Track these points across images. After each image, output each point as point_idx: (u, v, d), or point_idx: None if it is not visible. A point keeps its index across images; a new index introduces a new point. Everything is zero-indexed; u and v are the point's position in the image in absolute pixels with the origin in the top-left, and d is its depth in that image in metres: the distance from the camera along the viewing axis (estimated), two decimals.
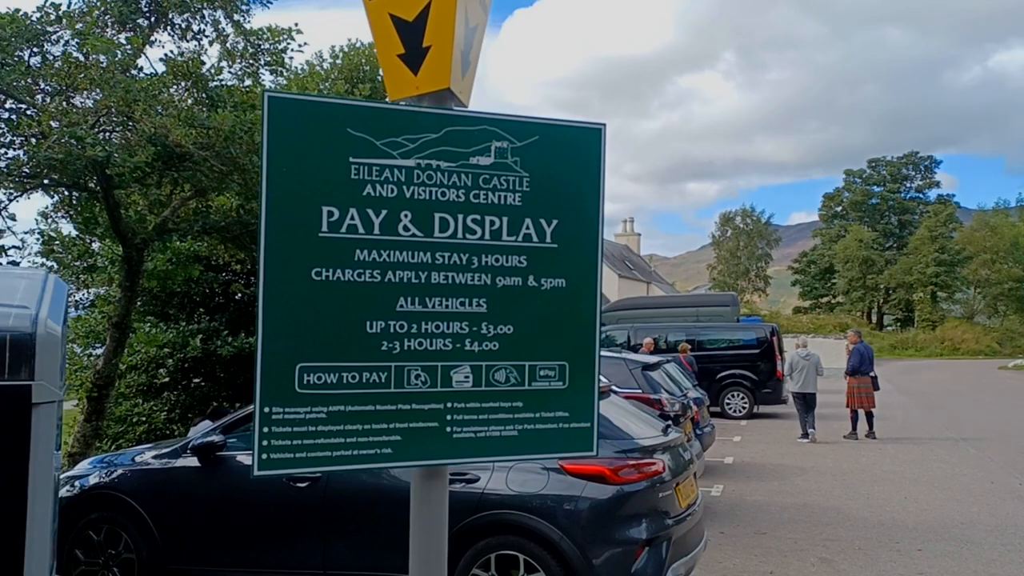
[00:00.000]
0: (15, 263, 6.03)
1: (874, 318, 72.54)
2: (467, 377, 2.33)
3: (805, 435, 15.41)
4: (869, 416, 15.59)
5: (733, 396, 19.34)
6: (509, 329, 2.37)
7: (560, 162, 2.42)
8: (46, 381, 2.25)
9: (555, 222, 2.42)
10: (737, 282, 74.19)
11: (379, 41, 2.39)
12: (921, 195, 77.17)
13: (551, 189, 2.41)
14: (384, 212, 2.24)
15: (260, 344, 2.14)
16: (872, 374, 15.62)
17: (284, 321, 2.17)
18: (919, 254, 66.10)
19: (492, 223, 2.35)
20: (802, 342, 17.08)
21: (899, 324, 70.76)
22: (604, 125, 2.46)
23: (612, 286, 51.42)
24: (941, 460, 13.03)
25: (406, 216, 2.27)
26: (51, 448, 2.22)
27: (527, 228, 2.39)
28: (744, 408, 19.19)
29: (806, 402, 15.48)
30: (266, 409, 2.15)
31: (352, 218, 2.22)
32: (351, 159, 2.21)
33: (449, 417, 2.31)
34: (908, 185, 77.63)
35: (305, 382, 2.19)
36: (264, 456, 2.14)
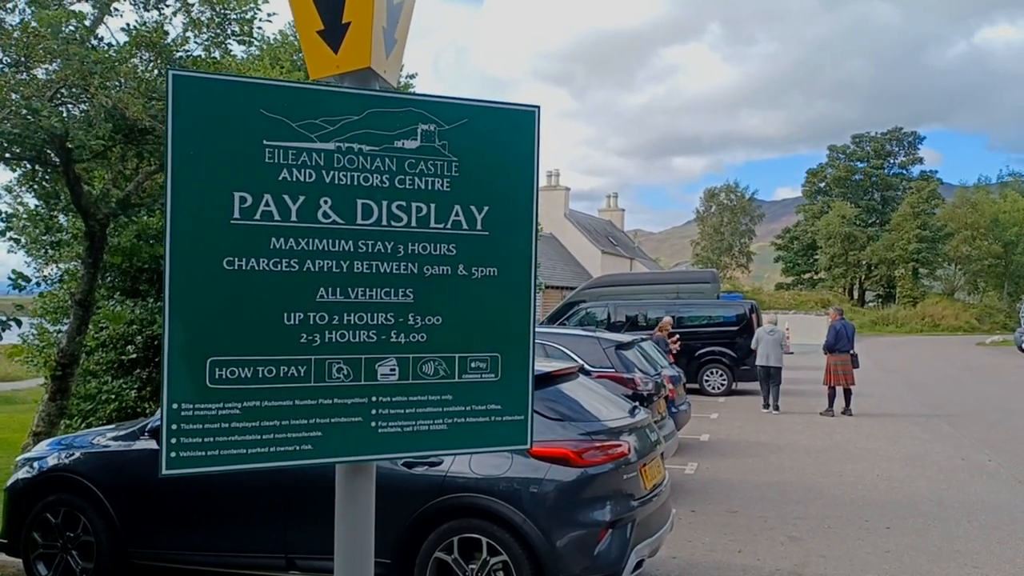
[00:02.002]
0: None
1: (856, 294, 73.01)
2: (393, 370, 2.23)
3: (767, 405, 16.14)
4: (847, 393, 15.70)
5: (712, 373, 19.39)
6: (438, 320, 2.27)
7: (492, 146, 2.31)
8: None
9: (486, 208, 2.31)
10: (721, 258, 74.32)
11: (297, 15, 2.26)
12: (904, 171, 77.39)
13: (482, 174, 2.30)
14: (302, 198, 2.13)
15: (167, 337, 2.03)
16: (852, 352, 15.71)
17: (194, 312, 2.06)
18: (901, 230, 66.41)
19: (419, 209, 2.25)
20: (771, 319, 17.32)
21: (880, 300, 71.27)
22: (538, 107, 2.35)
23: (595, 262, 51.37)
24: (914, 437, 13.12)
25: (326, 202, 2.15)
26: None
27: (456, 215, 2.29)
28: (722, 385, 19.25)
29: (768, 375, 16.16)
30: (174, 405, 2.04)
31: (267, 204, 2.10)
32: (265, 142, 2.09)
33: (374, 411, 2.21)
34: (891, 161, 77.82)
35: (217, 376, 2.09)
36: (172, 455, 2.04)
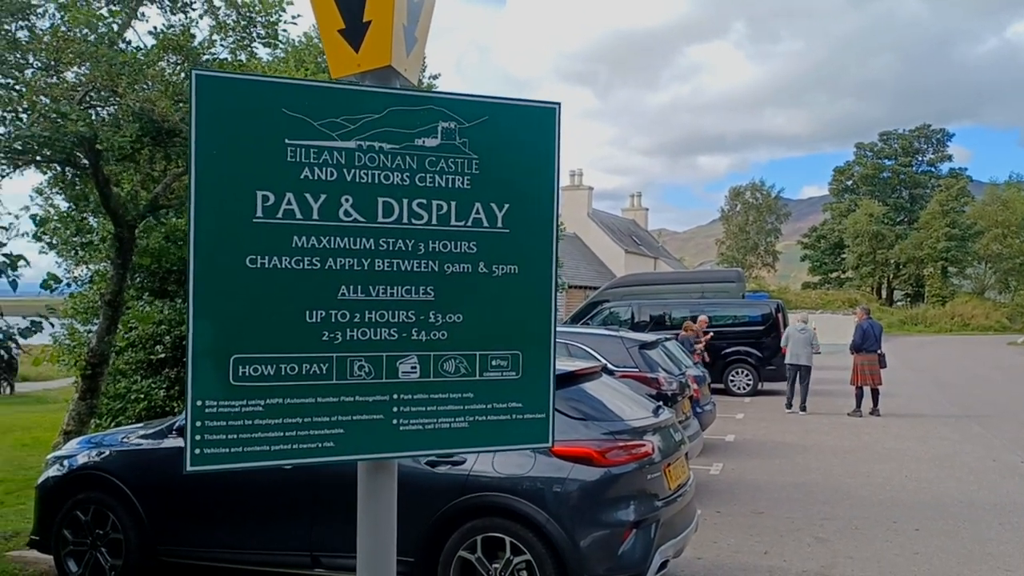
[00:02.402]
0: (1, 244, 5.96)
1: (884, 293, 72.14)
2: (414, 368, 2.24)
3: (790, 405, 15.97)
4: (875, 393, 15.52)
5: (737, 373, 19.25)
6: (458, 318, 2.27)
7: (512, 143, 2.31)
8: None
9: (507, 206, 2.31)
10: (746, 257, 73.77)
11: (319, 14, 2.27)
12: (933, 168, 76.37)
13: (502, 172, 2.30)
14: (323, 196, 2.14)
15: (191, 335, 2.05)
16: (879, 351, 15.53)
17: (217, 311, 2.08)
18: (930, 229, 65.53)
19: (439, 207, 2.25)
20: (802, 317, 17.20)
21: (909, 300, 70.36)
22: (559, 104, 2.34)
23: (619, 261, 51.20)
24: (944, 437, 12.94)
25: (347, 200, 2.16)
26: None
27: (477, 212, 2.29)
28: (748, 385, 19.10)
29: (797, 374, 15.98)
30: (199, 402, 2.06)
31: (289, 203, 2.12)
32: (287, 141, 2.10)
33: (395, 409, 2.22)
34: (920, 159, 76.83)
35: (240, 374, 2.10)
36: (197, 451, 2.06)
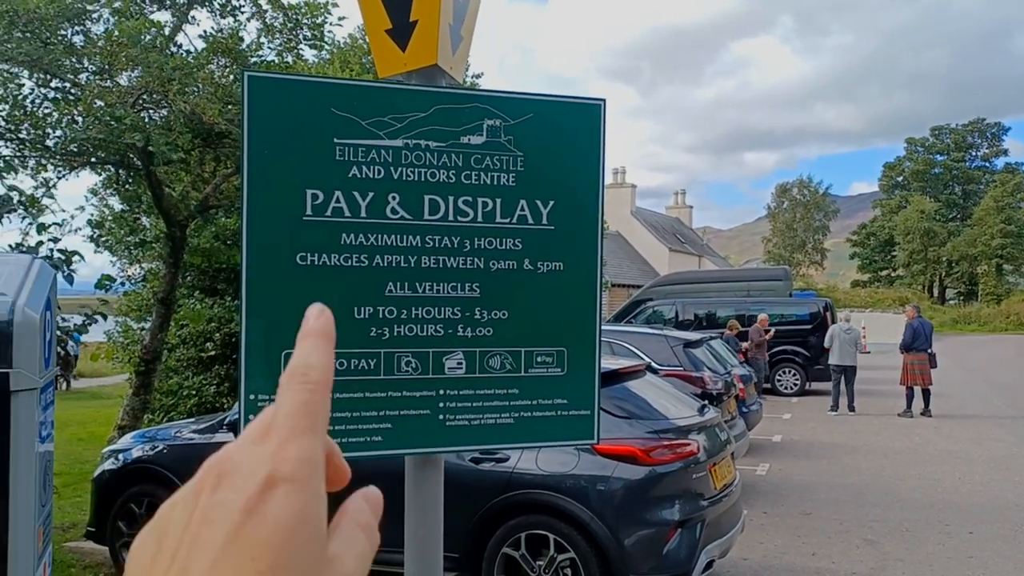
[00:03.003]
0: (56, 239, 6.15)
1: (936, 292, 70.51)
2: (460, 363, 2.26)
3: (835, 407, 15.64)
4: (925, 393, 15.19)
5: (784, 372, 18.98)
6: (504, 314, 2.29)
7: (557, 140, 2.31)
8: (24, 369, 2.24)
9: (552, 203, 2.31)
10: (793, 255, 72.69)
11: (366, 15, 2.30)
12: (987, 164, 74.45)
13: (547, 169, 2.30)
14: (371, 194, 2.17)
15: (244, 330, 2.10)
16: (930, 351, 15.20)
17: (268, 307, 2.12)
18: (984, 225, 63.87)
19: (485, 205, 2.26)
20: (846, 316, 16.93)
21: (962, 298, 68.66)
22: (604, 100, 2.34)
23: (663, 260, 50.83)
24: (998, 439, 12.61)
25: (394, 198, 2.19)
26: (32, 436, 2.21)
27: (522, 210, 2.29)
28: (795, 385, 18.82)
29: (843, 375, 15.73)
30: (251, 397, 2.11)
31: (337, 201, 2.15)
32: (335, 140, 2.13)
33: (442, 404, 2.24)
34: (973, 153, 74.94)
35: None
36: None
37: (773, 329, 17.40)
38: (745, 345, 15.76)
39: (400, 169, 2.18)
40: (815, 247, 74.98)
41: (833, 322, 18.98)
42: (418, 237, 2.21)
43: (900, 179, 76.14)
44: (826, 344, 16.37)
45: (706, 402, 6.83)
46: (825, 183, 77.34)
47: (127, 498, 6.17)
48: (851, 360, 15.66)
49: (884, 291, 63.57)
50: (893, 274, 72.64)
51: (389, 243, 2.19)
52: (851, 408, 15.53)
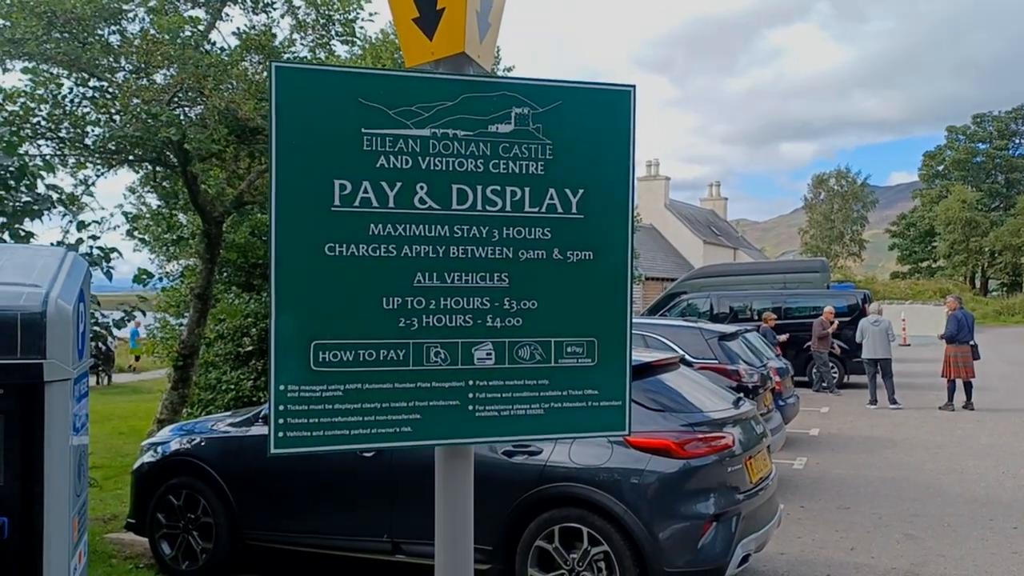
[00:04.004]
0: (95, 237, 6.26)
1: (978, 283, 69.10)
2: (489, 354, 2.24)
3: (874, 401, 15.38)
4: (967, 386, 14.88)
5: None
6: (533, 304, 2.27)
7: (586, 128, 2.28)
8: (58, 359, 2.28)
9: (581, 191, 2.29)
10: (831, 247, 71.67)
11: (394, 5, 2.29)
12: None
13: (577, 157, 2.27)
14: (399, 184, 2.16)
15: (274, 321, 2.11)
16: (972, 342, 14.88)
17: (298, 298, 2.12)
18: None
19: (513, 194, 2.24)
20: (875, 308, 16.65)
21: (1005, 289, 67.18)
22: (634, 87, 2.30)
23: (697, 252, 50.41)
24: None
25: (422, 188, 2.18)
26: (66, 427, 2.25)
27: (551, 198, 2.27)
28: (833, 378, 18.55)
29: (879, 368, 15.50)
30: (281, 387, 2.12)
31: (365, 191, 2.15)
32: (363, 130, 2.13)
33: (471, 395, 2.23)
34: (1017, 141, 73.25)
35: (321, 360, 2.15)
36: (280, 434, 2.12)
37: (837, 321, 17.19)
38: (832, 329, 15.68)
39: (428, 159, 2.18)
40: (853, 238, 73.87)
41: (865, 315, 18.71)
42: (446, 227, 2.20)
43: (941, 168, 74.68)
44: (857, 339, 16.13)
45: (741, 395, 6.75)
46: (863, 173, 76.19)
47: (166, 490, 6.26)
48: (884, 352, 15.38)
49: (924, 282, 62.40)
50: (934, 265, 71.32)
51: (417, 233, 2.18)
52: (892, 401, 15.24)
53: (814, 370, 18.15)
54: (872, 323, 15.70)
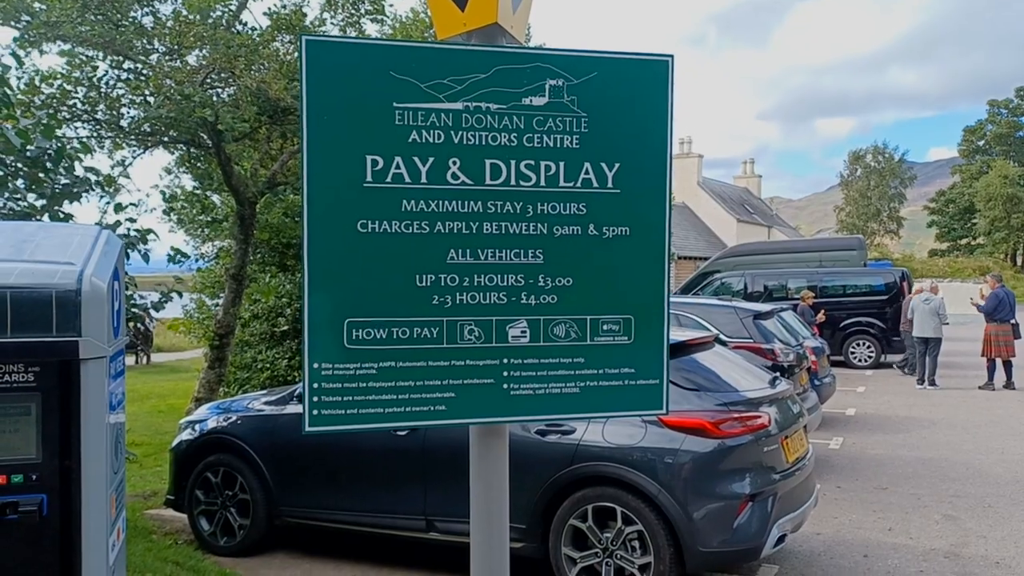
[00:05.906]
0: (132, 220, 6.32)
1: (1019, 260, 67.60)
2: (524, 332, 2.21)
3: (921, 381, 15.13)
4: (1007, 365, 14.60)
5: (858, 345, 18.45)
6: (568, 281, 2.23)
7: (622, 100, 2.22)
8: (93, 337, 2.29)
9: (617, 166, 2.23)
10: (867, 224, 70.55)
11: None
12: None
13: (613, 130, 2.22)
14: (431, 159, 2.13)
15: (307, 299, 2.09)
16: (1013, 321, 14.57)
17: (331, 276, 2.10)
18: None
19: (548, 168, 2.20)
20: (927, 286, 16.30)
21: None
22: (672, 56, 2.24)
23: (731, 231, 49.88)
24: None
25: (455, 163, 2.14)
26: (102, 405, 2.27)
27: (586, 173, 2.22)
28: (870, 357, 18.29)
29: (926, 347, 15.15)
30: (315, 365, 2.11)
31: (397, 167, 2.11)
32: (395, 104, 2.09)
33: (506, 373, 2.20)
34: None
35: (354, 337, 2.13)
36: (315, 412, 2.11)
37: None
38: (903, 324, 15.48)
39: (460, 133, 2.14)
40: (890, 216, 72.63)
41: (909, 292, 18.37)
42: (480, 203, 2.17)
43: (981, 143, 72.99)
44: (908, 316, 15.84)
45: (777, 374, 6.67)
46: (901, 149, 74.78)
47: (204, 467, 6.34)
48: (932, 332, 15.04)
49: (964, 260, 61.20)
50: (973, 243, 69.88)
51: (450, 209, 2.15)
52: (932, 382, 14.99)
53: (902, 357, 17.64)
54: (923, 301, 15.36)
